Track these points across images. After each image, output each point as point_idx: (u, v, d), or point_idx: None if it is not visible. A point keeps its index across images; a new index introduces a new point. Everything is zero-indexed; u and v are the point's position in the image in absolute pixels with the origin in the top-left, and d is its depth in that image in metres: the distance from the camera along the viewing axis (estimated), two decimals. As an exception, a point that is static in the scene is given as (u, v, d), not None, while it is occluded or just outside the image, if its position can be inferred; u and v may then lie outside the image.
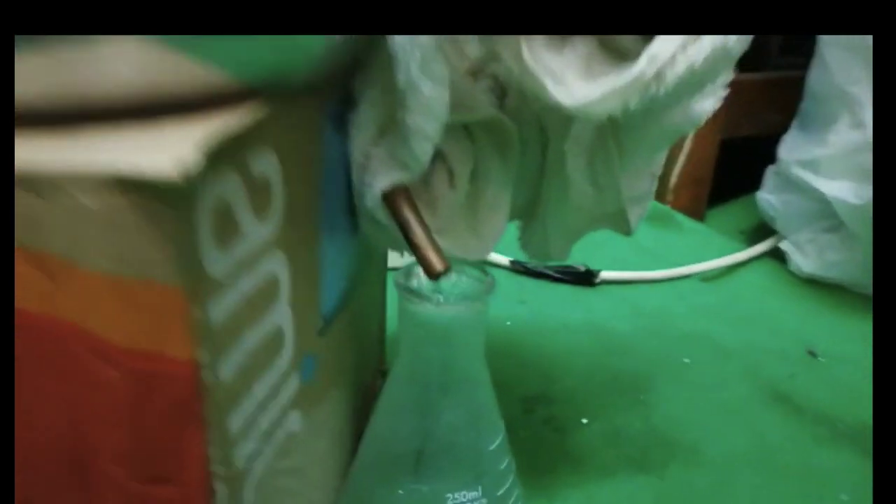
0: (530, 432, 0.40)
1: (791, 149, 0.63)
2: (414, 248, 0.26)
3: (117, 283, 0.16)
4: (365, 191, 0.26)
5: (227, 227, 0.18)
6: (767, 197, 0.66)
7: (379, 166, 0.26)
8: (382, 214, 0.27)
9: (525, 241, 0.37)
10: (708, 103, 0.26)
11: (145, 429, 0.17)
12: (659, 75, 0.20)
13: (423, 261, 0.25)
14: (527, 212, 0.36)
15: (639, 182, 0.32)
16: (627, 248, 0.68)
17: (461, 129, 0.30)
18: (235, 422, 0.20)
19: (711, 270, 0.63)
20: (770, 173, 0.67)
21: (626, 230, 0.34)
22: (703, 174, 0.74)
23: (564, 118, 0.32)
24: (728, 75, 0.27)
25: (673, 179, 0.72)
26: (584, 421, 0.41)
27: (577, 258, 0.62)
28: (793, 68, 0.73)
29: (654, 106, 0.21)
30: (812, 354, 0.51)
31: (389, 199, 0.26)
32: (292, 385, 0.24)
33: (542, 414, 0.42)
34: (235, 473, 0.21)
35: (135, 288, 0.16)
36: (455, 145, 0.29)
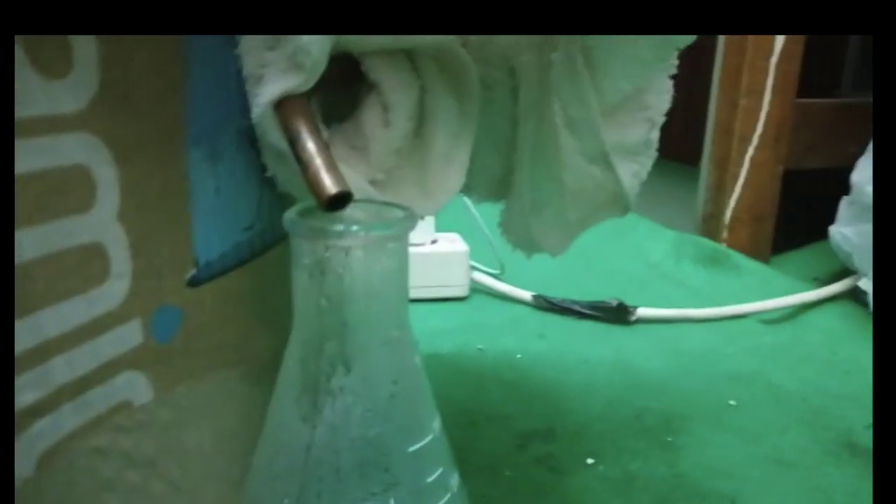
0: (519, 470, 0.32)
1: (866, 171, 0.54)
2: (303, 167, 0.20)
3: None
4: (255, 103, 0.21)
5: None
6: (841, 230, 0.57)
7: (272, 74, 0.21)
8: (277, 136, 0.21)
9: (506, 225, 0.30)
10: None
11: None
12: None
13: (312, 183, 0.20)
14: (503, 185, 0.30)
15: (629, 127, 0.25)
16: (673, 288, 0.60)
17: (403, 58, 0.25)
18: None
19: (773, 311, 0.54)
20: (844, 204, 0.58)
21: (623, 202, 0.27)
22: (765, 209, 0.65)
23: (539, 56, 0.26)
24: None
25: (728, 214, 0.64)
26: (590, 461, 0.33)
27: (612, 294, 0.54)
28: (868, 97, 0.64)
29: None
30: (897, 401, 0.40)
31: (281, 112, 0.21)
32: (130, 337, 0.19)
33: (536, 451, 0.34)
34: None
35: None
36: (391, 73, 0.24)
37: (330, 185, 0.19)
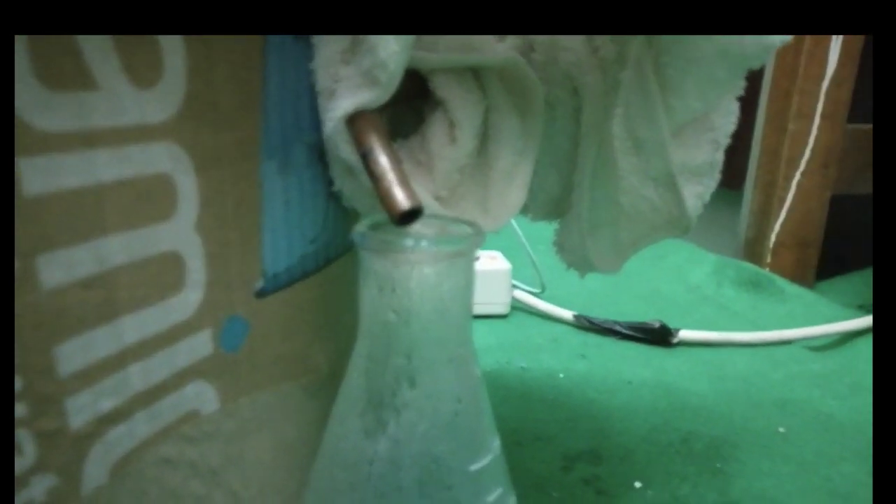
0: (566, 492, 0.32)
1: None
2: (375, 181, 0.20)
3: None
4: (327, 118, 0.21)
5: (63, 63, 0.14)
6: (890, 258, 0.55)
7: (346, 89, 0.21)
8: (348, 150, 0.21)
9: (561, 244, 0.30)
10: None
11: None
12: None
13: (384, 197, 0.20)
14: (561, 204, 0.29)
15: (696, 148, 0.25)
16: (715, 312, 0.59)
17: (469, 76, 0.25)
18: (72, 356, 0.15)
19: (819, 338, 0.52)
20: (892, 231, 0.57)
21: (684, 222, 0.26)
22: (811, 235, 0.64)
23: (602, 77, 0.26)
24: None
25: (772, 238, 0.62)
26: (638, 485, 0.32)
27: (652, 316, 0.53)
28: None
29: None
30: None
31: (354, 126, 0.21)
32: (201, 346, 0.19)
33: (583, 472, 0.33)
34: (64, 431, 0.15)
35: None
36: (459, 91, 0.24)
37: (402, 200, 0.19)
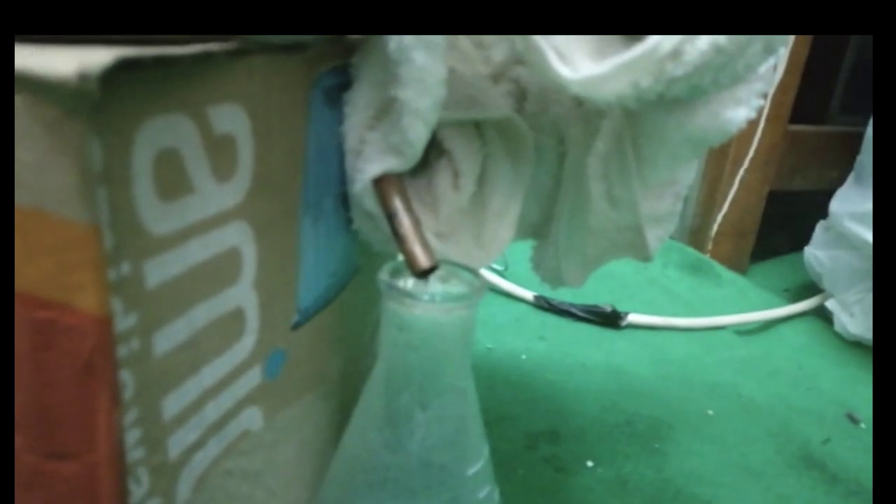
0: (529, 470, 0.37)
1: (844, 202, 0.59)
2: (399, 241, 0.23)
3: (22, 214, 0.14)
4: (356, 177, 0.24)
5: (173, 178, 0.17)
6: (815, 252, 0.62)
7: (373, 152, 0.24)
8: (372, 203, 0.25)
9: (537, 263, 0.34)
10: (741, 112, 0.24)
11: (45, 391, 0.15)
12: (676, 53, 0.18)
13: (408, 255, 0.23)
14: (540, 230, 0.34)
15: (660, 200, 0.29)
16: (659, 294, 0.65)
17: (472, 128, 0.28)
18: (172, 404, 0.18)
19: (748, 324, 0.59)
20: (820, 228, 0.63)
21: (646, 255, 0.31)
22: (748, 225, 0.70)
23: (585, 128, 0.30)
24: (765, 84, 0.24)
25: (714, 228, 0.69)
26: (590, 464, 0.38)
27: (605, 299, 0.59)
28: (853, 125, 0.69)
29: (672, 94, 0.19)
30: (852, 420, 0.46)
31: (380, 186, 0.24)
32: (253, 378, 0.22)
33: (545, 451, 0.39)
34: (166, 463, 0.19)
35: (41, 221, 0.14)
36: (463, 144, 0.27)
37: (423, 261, 0.23)
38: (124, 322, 0.16)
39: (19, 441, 0.16)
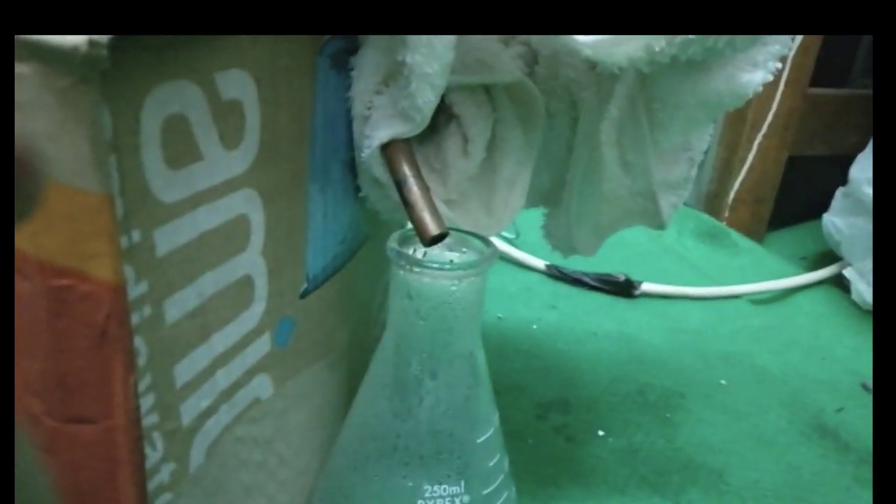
0: (540, 439, 0.37)
1: (864, 167, 0.58)
2: (408, 208, 0.23)
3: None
4: (363, 143, 0.24)
5: (181, 146, 0.17)
6: (834, 220, 0.61)
7: (380, 118, 0.24)
8: (380, 171, 0.24)
9: (549, 231, 0.34)
10: (758, 74, 0.23)
11: (62, 357, 0.15)
12: (689, 14, 0.17)
13: (416, 222, 0.23)
14: (551, 197, 0.33)
15: (674, 166, 0.28)
16: (674, 262, 0.64)
17: (481, 92, 0.28)
18: (184, 371, 0.18)
19: (764, 293, 0.58)
20: (839, 195, 0.62)
21: (659, 222, 0.31)
22: (766, 192, 0.69)
23: (598, 92, 0.29)
24: (783, 46, 0.23)
25: (731, 195, 0.68)
26: (601, 433, 0.38)
27: (618, 268, 0.58)
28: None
29: (686, 56, 0.18)
30: (867, 389, 0.46)
31: (388, 153, 0.24)
32: (262, 346, 0.22)
33: (555, 421, 0.39)
34: (179, 428, 0.19)
35: (55, 191, 0.14)
36: (473, 108, 0.27)
37: (432, 227, 0.23)
38: (136, 290, 0.16)
39: (39, 406, 0.16)
